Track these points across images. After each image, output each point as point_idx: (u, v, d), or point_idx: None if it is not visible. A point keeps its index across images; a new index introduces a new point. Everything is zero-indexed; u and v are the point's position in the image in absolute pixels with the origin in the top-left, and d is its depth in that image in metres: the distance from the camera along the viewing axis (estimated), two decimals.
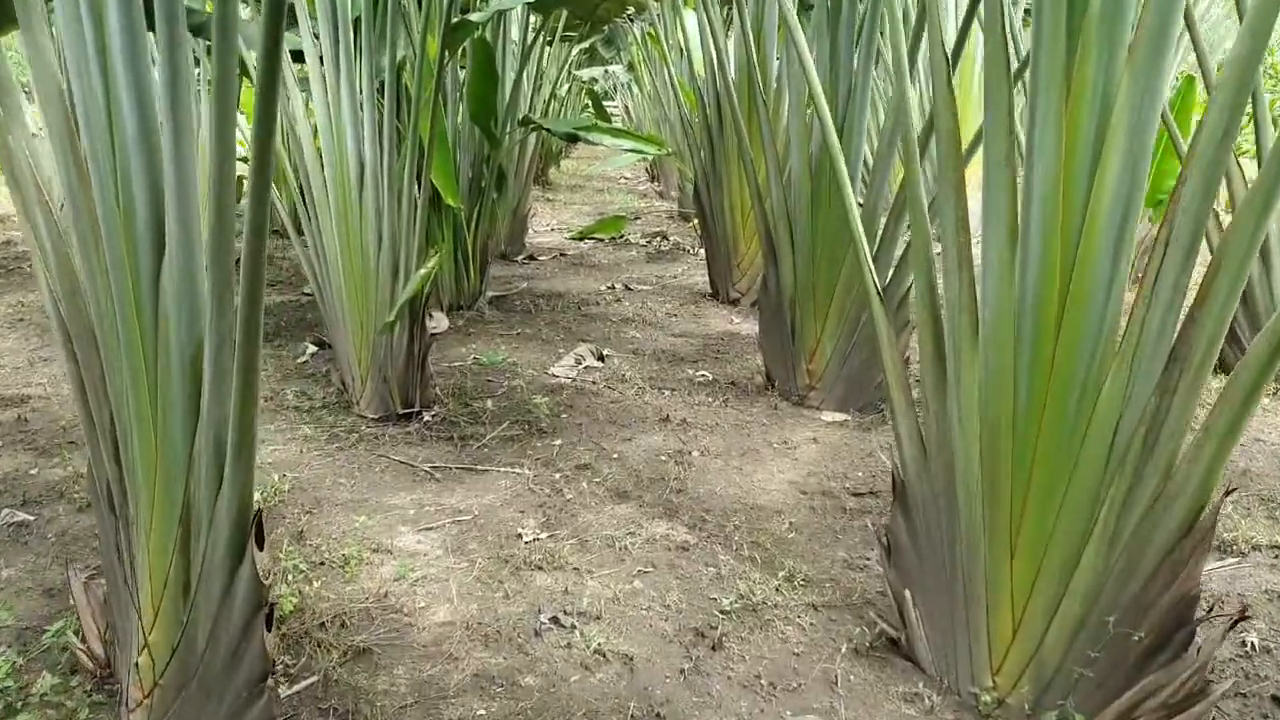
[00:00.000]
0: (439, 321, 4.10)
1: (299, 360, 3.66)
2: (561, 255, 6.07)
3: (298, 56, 3.30)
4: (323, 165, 2.96)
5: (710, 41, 4.42)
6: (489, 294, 4.56)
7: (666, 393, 3.18)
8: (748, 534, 2.17)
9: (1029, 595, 1.54)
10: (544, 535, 2.16)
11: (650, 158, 10.09)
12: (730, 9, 4.87)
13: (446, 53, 2.78)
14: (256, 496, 2.30)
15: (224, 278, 1.31)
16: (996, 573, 1.57)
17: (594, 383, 3.32)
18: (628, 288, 5.03)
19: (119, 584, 1.52)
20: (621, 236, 6.72)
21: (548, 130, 4.07)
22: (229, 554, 1.39)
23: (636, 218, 7.85)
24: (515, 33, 5.49)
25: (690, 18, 4.98)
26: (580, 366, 3.51)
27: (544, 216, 7.90)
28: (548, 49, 6.05)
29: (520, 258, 5.88)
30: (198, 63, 5.10)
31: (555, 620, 1.79)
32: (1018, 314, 1.50)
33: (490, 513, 2.30)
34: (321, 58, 2.88)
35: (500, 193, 5.44)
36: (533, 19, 5.52)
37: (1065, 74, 1.41)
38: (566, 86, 9.60)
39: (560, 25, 5.35)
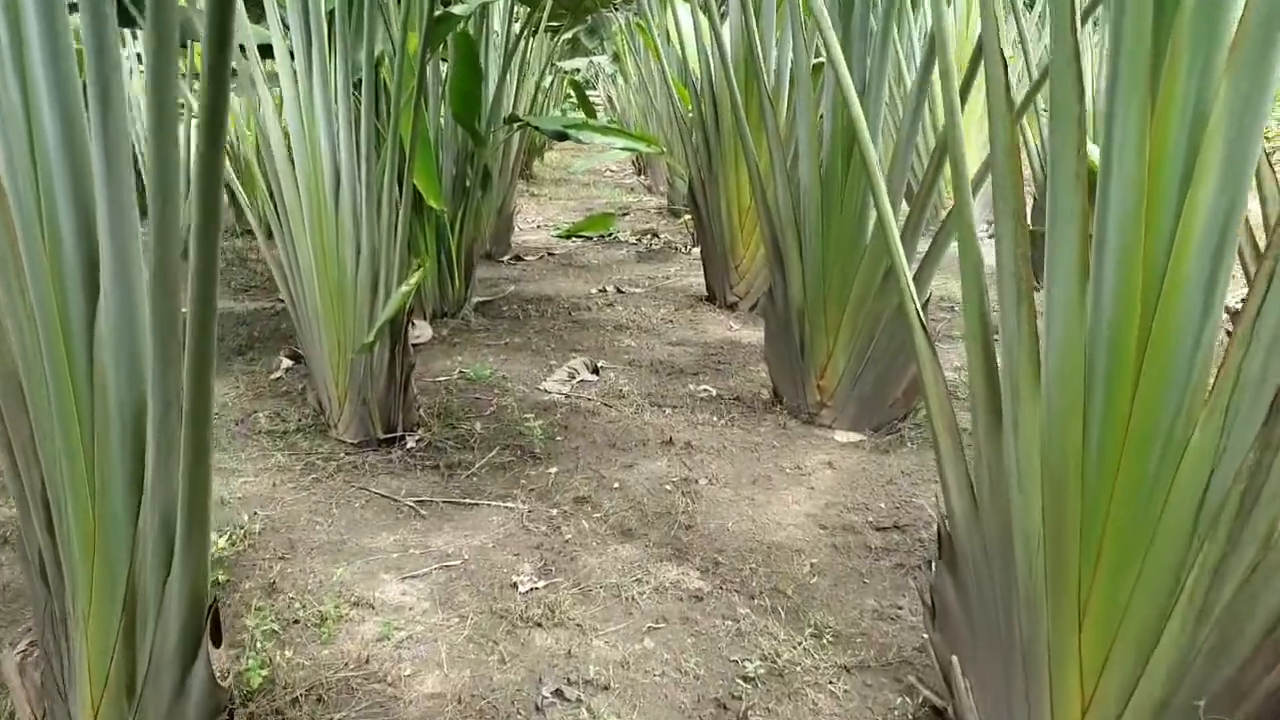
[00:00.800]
0: (422, 331, 3.89)
1: (273, 376, 3.44)
2: (549, 255, 5.86)
3: (267, 51, 3.07)
4: (294, 169, 2.74)
5: (707, 32, 4.21)
6: (475, 300, 4.34)
7: (667, 410, 2.98)
8: (766, 579, 1.98)
9: (1100, 672, 1.36)
10: (541, 584, 1.96)
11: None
12: None
13: (428, 48, 2.56)
14: (222, 542, 2.09)
15: (168, 326, 1.10)
16: (1062, 645, 1.38)
17: (589, 399, 3.11)
18: (620, 290, 4.82)
19: (53, 674, 1.31)
20: (610, 234, 6.51)
21: (536, 128, 3.85)
22: (181, 650, 1.18)
23: (625, 213, 7.64)
24: (498, 24, 5.28)
25: (682, 8, 4.77)
26: (574, 381, 3.30)
27: (529, 213, 7.67)
28: (531, 40, 5.82)
29: (506, 258, 5.67)
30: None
31: (559, 693, 1.60)
32: (1088, 353, 1.31)
33: (482, 556, 2.09)
34: (292, 52, 2.65)
35: (485, 192, 5.22)
36: (516, 10, 5.29)
37: (1150, 78, 1.22)
38: (550, 79, 9.36)
39: (544, 16, 5.13)
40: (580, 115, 10.57)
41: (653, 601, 1.90)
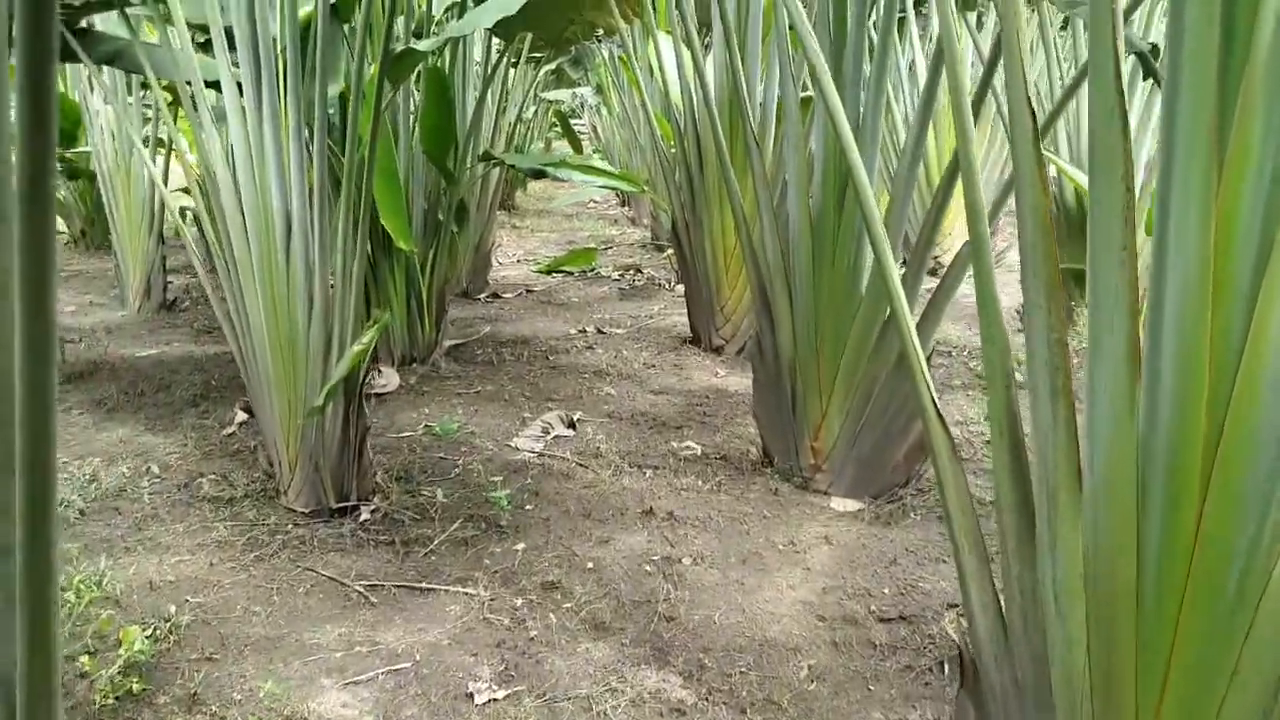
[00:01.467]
0: (389, 379, 3.66)
1: (226, 431, 3.19)
2: (528, 292, 5.64)
3: (215, 86, 2.85)
4: (243, 215, 2.51)
5: (690, 67, 4.04)
6: (446, 344, 4.12)
7: (648, 473, 2.76)
8: (759, 686, 1.75)
9: None
10: (501, 694, 1.73)
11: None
12: (709, 32, 4.49)
13: (384, 85, 2.35)
14: (143, 640, 1.85)
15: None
16: None
17: (564, 458, 2.89)
18: (600, 331, 4.61)
19: None
20: (592, 269, 6.30)
21: (511, 166, 3.65)
22: None
23: (607, 247, 7.45)
24: (478, 54, 5.12)
25: (664, 41, 4.59)
26: (548, 436, 3.08)
27: (509, 246, 7.47)
28: (513, 71, 5.64)
29: (483, 296, 5.45)
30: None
31: None
32: (1141, 461, 1.10)
33: (435, 656, 1.85)
34: (240, 86, 2.44)
35: (461, 228, 5.01)
36: (496, 41, 5.11)
37: (1215, 136, 1.02)
38: (533, 109, 9.19)
39: (526, 47, 4.95)
40: (565, 147, 10.41)
41: (629, 717, 1.66)
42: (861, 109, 2.44)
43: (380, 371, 3.69)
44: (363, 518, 2.48)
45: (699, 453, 2.91)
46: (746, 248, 2.83)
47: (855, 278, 2.53)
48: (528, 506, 2.53)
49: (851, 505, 2.53)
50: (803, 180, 2.61)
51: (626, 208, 9.31)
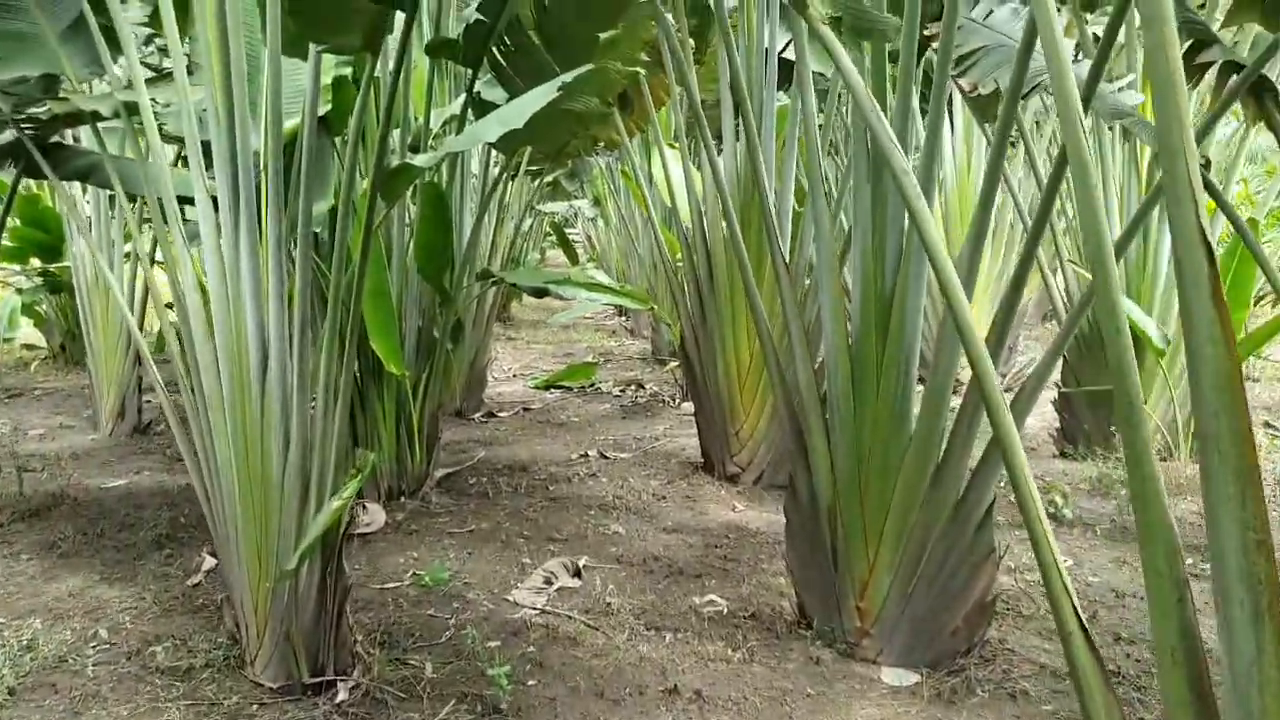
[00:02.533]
0: (374, 517, 3.33)
1: (191, 581, 2.85)
2: (525, 410, 5.35)
3: (191, 201, 2.62)
4: (214, 343, 2.24)
5: (698, 181, 3.86)
6: (438, 473, 3.80)
7: (668, 636, 2.41)
8: None
9: None
10: None
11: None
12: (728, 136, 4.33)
13: (376, 203, 2.11)
14: None
15: None
16: None
17: (570, 617, 2.54)
18: (604, 456, 4.30)
19: None
20: (592, 385, 6.04)
21: (513, 285, 3.41)
22: None
23: (607, 360, 7.20)
24: (475, 167, 4.98)
25: (671, 156, 4.44)
26: (551, 588, 2.73)
27: (505, 359, 7.22)
28: (510, 183, 5.50)
29: (478, 415, 5.15)
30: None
31: None
32: None
33: None
34: (216, 201, 2.19)
35: (456, 345, 4.76)
36: (495, 154, 4.97)
37: None
38: (529, 221, 9.10)
39: (524, 160, 4.80)
40: (560, 256, 10.31)
41: None
42: (905, 231, 2.21)
43: (365, 508, 3.36)
44: (340, 697, 2.12)
45: (724, 610, 2.56)
46: (774, 373, 2.56)
47: (903, 410, 2.25)
48: (530, 682, 2.18)
49: (907, 678, 2.18)
50: (839, 306, 2.36)
51: (625, 318, 9.13)
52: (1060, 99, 1.08)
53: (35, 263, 6.48)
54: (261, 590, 2.22)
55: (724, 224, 3.82)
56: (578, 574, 2.83)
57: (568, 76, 2.12)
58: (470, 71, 3.26)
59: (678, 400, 5.52)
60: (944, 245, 1.26)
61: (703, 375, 3.93)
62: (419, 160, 2.10)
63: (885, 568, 2.26)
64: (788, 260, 2.62)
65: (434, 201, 3.09)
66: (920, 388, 2.23)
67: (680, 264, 4.84)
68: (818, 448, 2.36)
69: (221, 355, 2.22)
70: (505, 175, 4.24)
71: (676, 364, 5.94)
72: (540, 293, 3.54)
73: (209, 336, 2.25)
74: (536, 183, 8.46)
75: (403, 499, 3.57)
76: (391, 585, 2.78)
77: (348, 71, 2.98)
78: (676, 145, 5.07)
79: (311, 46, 2.06)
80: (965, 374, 2.26)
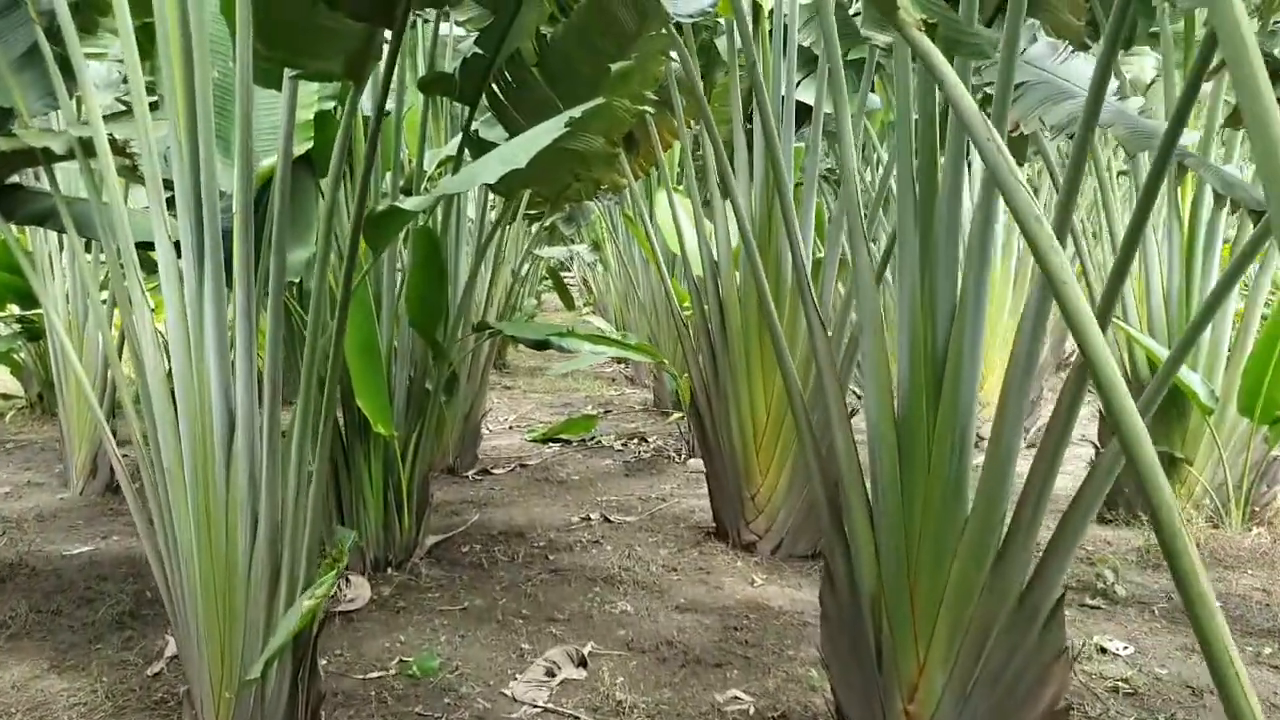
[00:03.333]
0: (358, 591, 3.03)
1: (151, 670, 2.54)
2: (522, 466, 5.06)
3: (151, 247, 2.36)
4: (175, 410, 1.96)
5: (710, 228, 3.63)
6: (428, 541, 3.50)
7: None
8: None
9: None
10: None
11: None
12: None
13: (356, 252, 1.86)
14: None
15: None
16: None
17: (577, 717, 2.24)
18: (607, 519, 4.00)
19: None
20: (592, 438, 5.75)
21: (513, 337, 3.15)
22: None
23: (607, 411, 6.92)
24: (472, 211, 4.76)
25: (679, 200, 4.21)
26: (554, 681, 2.43)
27: (501, 410, 6.94)
28: (509, 228, 5.27)
29: (472, 473, 4.86)
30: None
31: None
32: None
33: None
34: (178, 246, 1.94)
35: (450, 398, 4.49)
36: (492, 198, 4.74)
37: None
38: (526, 267, 8.87)
39: (523, 204, 4.57)
40: (558, 302, 10.04)
41: None
42: (959, 291, 1.95)
43: (348, 581, 3.06)
44: None
45: (750, 710, 2.26)
46: (807, 441, 2.29)
47: (958, 488, 1.97)
48: None
49: None
50: (881, 371, 2.10)
51: (624, 366, 8.86)
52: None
53: (14, 309, 6.22)
54: (226, 690, 1.92)
55: (737, 273, 3.58)
56: (583, 663, 2.53)
57: (575, 111, 1.88)
58: (467, 109, 3.03)
59: (684, 455, 5.24)
60: (1092, 317, 1.00)
61: (715, 433, 3.66)
62: (409, 204, 1.85)
63: (938, 667, 1.97)
64: (817, 303, 2.36)
65: (427, 248, 2.84)
66: (977, 459, 1.96)
67: (689, 312, 4.59)
68: (859, 529, 2.08)
69: (183, 421, 1.95)
70: (504, 220, 4.01)
71: (680, 415, 5.67)
72: (541, 345, 3.28)
73: (168, 402, 1.98)
74: (534, 227, 8.24)
75: (390, 570, 3.27)
76: (376, 675, 2.48)
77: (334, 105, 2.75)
78: (682, 189, 4.85)
79: (286, 73, 1.82)
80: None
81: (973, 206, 1.99)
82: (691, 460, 5.07)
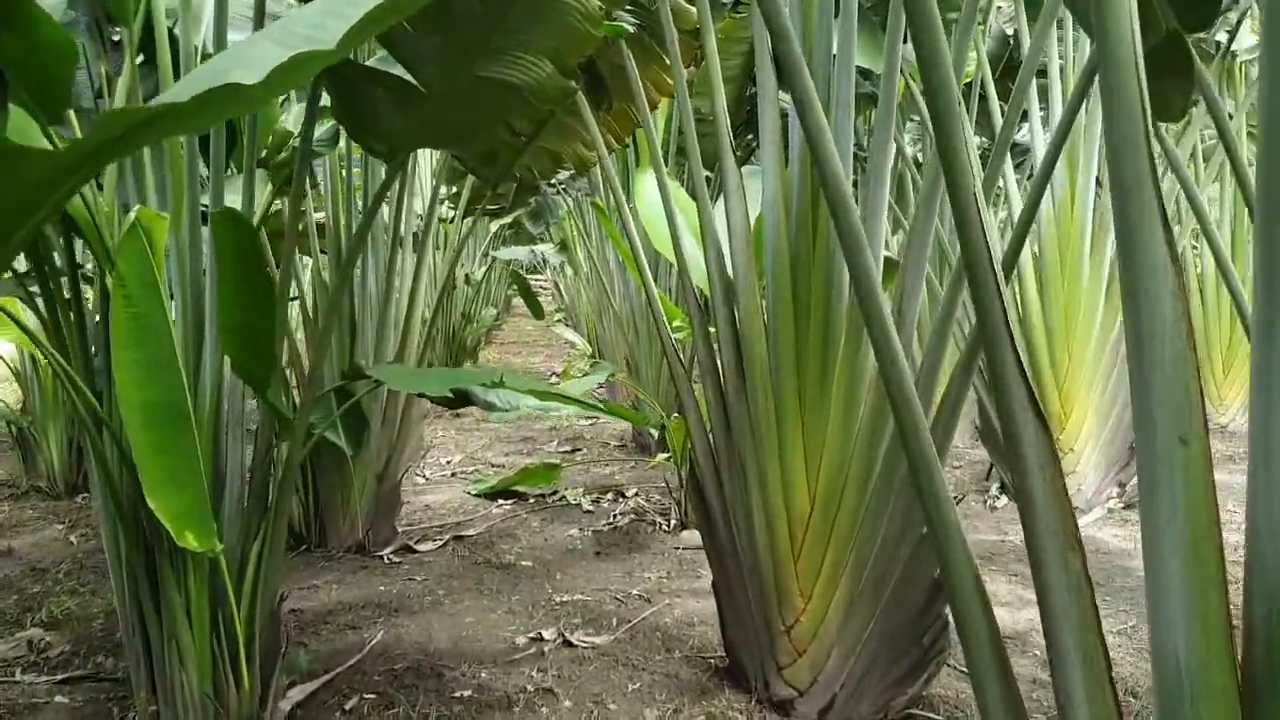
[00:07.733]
0: None
1: None
2: (457, 539, 3.80)
3: None
4: None
5: (724, 232, 2.41)
6: (286, 703, 2.24)
7: None
8: None
9: None
10: None
11: (590, 354, 8.06)
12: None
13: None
14: None
15: None
16: None
17: None
18: (567, 641, 2.76)
19: None
20: (554, 492, 4.50)
21: (425, 393, 1.90)
22: None
23: (575, 448, 5.68)
24: (420, 207, 3.56)
25: (673, 187, 2.98)
26: None
27: (446, 446, 5.68)
28: (463, 225, 4.03)
29: (389, 551, 3.58)
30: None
31: None
32: None
33: None
34: None
35: (359, 452, 3.24)
36: (443, 190, 3.51)
37: None
38: (481, 270, 7.59)
39: (465, 192, 3.32)
40: (524, 307, 8.80)
41: None
42: None
43: None
44: None
45: None
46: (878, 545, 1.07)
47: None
48: None
49: None
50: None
51: (599, 388, 7.61)
52: None
53: None
54: None
55: (761, 290, 2.36)
56: None
57: None
58: None
59: (673, 522, 3.99)
60: None
61: (727, 523, 2.43)
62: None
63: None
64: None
65: (238, 252, 1.59)
66: None
67: (686, 340, 3.35)
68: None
69: None
70: (434, 213, 2.78)
71: (666, 457, 4.36)
72: (458, 401, 2.03)
73: None
74: (494, 225, 6.96)
75: None
76: None
77: None
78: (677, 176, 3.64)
79: None
80: None
81: None
82: (685, 532, 3.82)
